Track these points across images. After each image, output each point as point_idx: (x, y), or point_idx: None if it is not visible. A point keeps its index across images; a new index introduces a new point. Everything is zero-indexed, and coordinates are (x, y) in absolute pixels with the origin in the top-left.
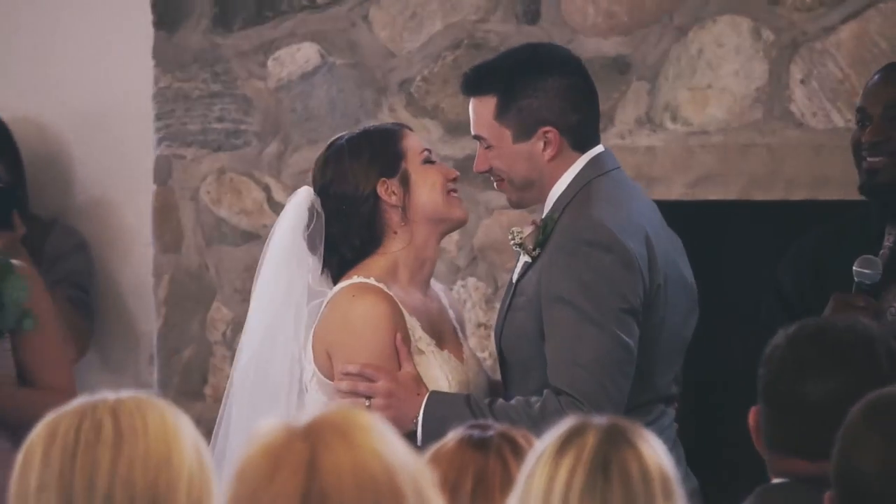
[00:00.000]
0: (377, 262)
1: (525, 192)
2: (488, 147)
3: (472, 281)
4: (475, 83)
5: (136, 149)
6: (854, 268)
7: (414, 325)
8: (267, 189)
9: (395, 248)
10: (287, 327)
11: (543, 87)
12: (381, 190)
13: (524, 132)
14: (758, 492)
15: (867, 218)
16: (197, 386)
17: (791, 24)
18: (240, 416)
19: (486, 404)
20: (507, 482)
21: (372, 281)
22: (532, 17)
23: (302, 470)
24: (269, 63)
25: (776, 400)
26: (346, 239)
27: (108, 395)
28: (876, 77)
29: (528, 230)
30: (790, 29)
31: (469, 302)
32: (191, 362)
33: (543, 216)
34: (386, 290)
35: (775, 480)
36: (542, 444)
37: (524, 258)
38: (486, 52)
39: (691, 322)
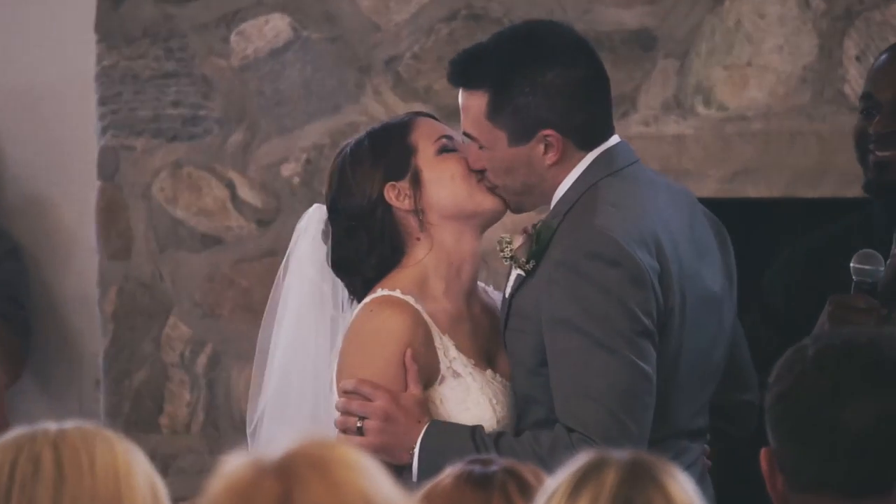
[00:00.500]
0: (405, 274)
1: (524, 198)
2: (481, 147)
3: None
4: (464, 73)
5: (77, 139)
6: (852, 264)
7: (447, 344)
8: (231, 185)
9: (420, 256)
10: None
11: (543, 82)
12: (389, 195)
13: (521, 135)
14: None
15: (870, 220)
16: (150, 415)
17: None
18: None
19: (493, 438)
20: None
21: (397, 293)
22: None
23: None
24: (233, 37)
25: (806, 435)
26: (363, 258)
27: (49, 426)
28: (883, 57)
29: (519, 240)
30: None
31: None
32: (143, 388)
33: (538, 224)
34: (413, 302)
35: None
36: (555, 482)
37: (517, 271)
38: (488, 25)
39: (721, 342)
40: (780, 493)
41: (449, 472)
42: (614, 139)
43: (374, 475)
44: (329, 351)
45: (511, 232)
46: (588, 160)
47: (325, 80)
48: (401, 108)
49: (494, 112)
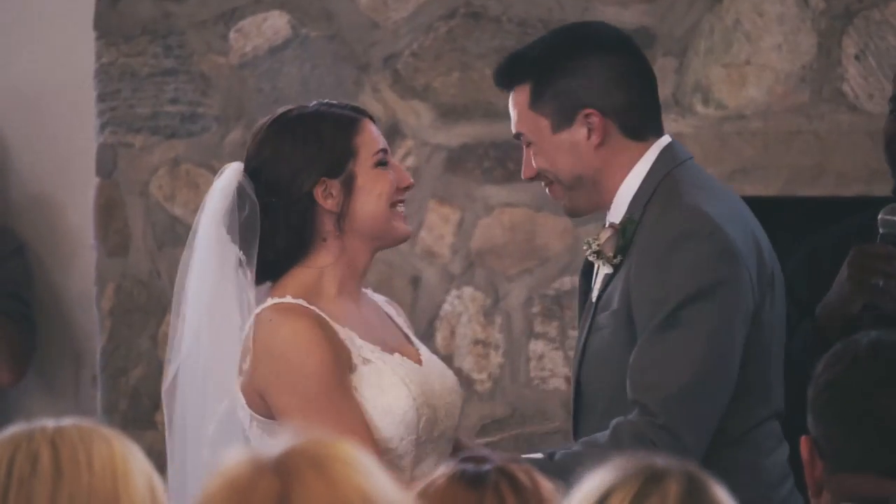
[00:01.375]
0: (297, 279)
1: (577, 193)
2: (529, 144)
3: (468, 291)
4: (507, 73)
5: (79, 136)
6: (880, 216)
7: (350, 335)
8: None
9: (322, 261)
10: (224, 335)
11: (583, 65)
12: (318, 191)
13: (563, 118)
14: None
15: None
16: (147, 412)
17: None
18: (195, 449)
19: (547, 459)
20: None
21: (288, 299)
22: None
23: None
24: (231, 35)
25: (854, 419)
26: (269, 239)
27: (47, 424)
28: None
29: (606, 234)
30: None
31: (465, 315)
32: (140, 385)
33: (617, 219)
34: (306, 305)
35: None
36: (596, 483)
37: (604, 269)
38: (486, 23)
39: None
40: (818, 480)
41: (442, 472)
42: (669, 137)
43: (372, 472)
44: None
45: None
46: (652, 154)
47: (324, 77)
48: (399, 106)
49: (536, 100)
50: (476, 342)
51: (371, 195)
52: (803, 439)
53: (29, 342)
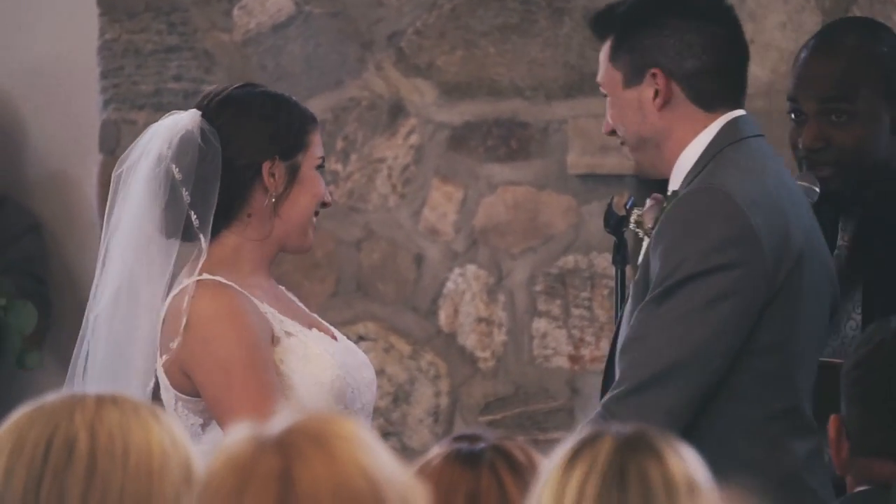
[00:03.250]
0: (216, 258)
1: (642, 155)
2: (606, 97)
3: (471, 269)
4: (597, 24)
5: (88, 113)
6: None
7: (269, 310)
8: None
9: (241, 236)
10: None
11: (662, 24)
12: (266, 166)
13: (634, 75)
14: (841, 501)
15: (819, 209)
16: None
17: None
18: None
19: None
20: (502, 501)
21: (205, 276)
22: None
23: (274, 485)
24: (235, 12)
25: (877, 400)
26: (202, 195)
27: (88, 398)
28: (803, 56)
29: (650, 209)
30: None
31: (468, 293)
32: None
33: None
34: (225, 281)
35: (859, 489)
36: (554, 457)
37: (646, 242)
38: (490, 1)
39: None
40: (844, 459)
41: (437, 451)
42: (742, 111)
43: (372, 448)
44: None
45: None
46: (715, 127)
47: (328, 55)
48: (403, 84)
49: (615, 53)
50: (479, 320)
51: (307, 192)
52: (833, 418)
53: (44, 321)
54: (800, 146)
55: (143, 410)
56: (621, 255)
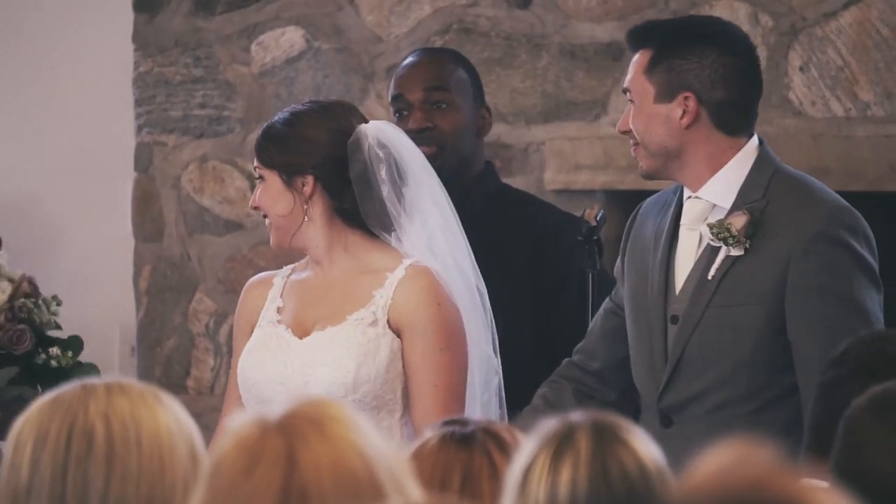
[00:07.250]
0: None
1: (657, 162)
2: (631, 102)
3: None
4: (639, 35)
5: (117, 136)
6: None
7: (270, 307)
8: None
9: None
10: None
11: (701, 53)
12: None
13: (667, 93)
14: None
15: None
16: (179, 378)
17: (790, 9)
18: None
19: None
20: (494, 478)
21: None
22: (524, 0)
23: (280, 464)
24: (253, 47)
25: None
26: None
27: (97, 386)
28: (409, 59)
29: (738, 219)
30: (789, 14)
31: None
32: (172, 354)
33: (723, 203)
34: (283, 275)
35: None
36: (528, 452)
37: (729, 252)
38: (477, 38)
39: None
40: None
41: (431, 435)
42: (756, 136)
43: (365, 430)
44: None
45: None
46: (751, 150)
47: (334, 85)
48: None
49: (651, 67)
50: None
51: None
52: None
53: None
54: (406, 130)
55: (147, 395)
56: (591, 260)
